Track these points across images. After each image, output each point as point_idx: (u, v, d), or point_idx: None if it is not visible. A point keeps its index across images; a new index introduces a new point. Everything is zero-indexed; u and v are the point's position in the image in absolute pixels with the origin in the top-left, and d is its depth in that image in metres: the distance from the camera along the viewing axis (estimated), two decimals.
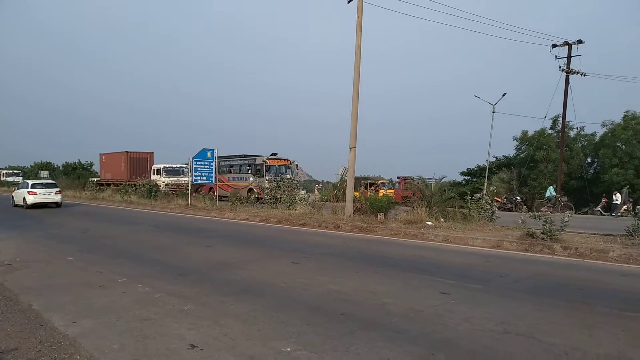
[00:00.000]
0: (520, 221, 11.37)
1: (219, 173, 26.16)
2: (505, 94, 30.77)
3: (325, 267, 8.09)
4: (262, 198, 21.96)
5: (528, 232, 10.82)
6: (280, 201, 19.76)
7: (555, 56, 25.76)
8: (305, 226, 14.88)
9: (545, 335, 4.48)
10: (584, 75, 25.72)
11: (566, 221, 10.58)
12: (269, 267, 8.05)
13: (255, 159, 27.57)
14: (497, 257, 9.44)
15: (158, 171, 32.10)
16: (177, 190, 28.66)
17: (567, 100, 25.62)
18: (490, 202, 15.08)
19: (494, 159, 40.04)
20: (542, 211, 15.75)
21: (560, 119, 28.04)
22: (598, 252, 9.40)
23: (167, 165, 32.62)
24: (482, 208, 14.47)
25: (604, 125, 33.69)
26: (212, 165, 23.15)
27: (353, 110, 16.63)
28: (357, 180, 27.14)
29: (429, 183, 16.08)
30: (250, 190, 26.08)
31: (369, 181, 33.01)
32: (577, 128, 33.73)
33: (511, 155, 39.18)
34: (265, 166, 26.44)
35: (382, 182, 34.48)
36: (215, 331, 4.65)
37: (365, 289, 6.43)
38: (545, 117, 33.48)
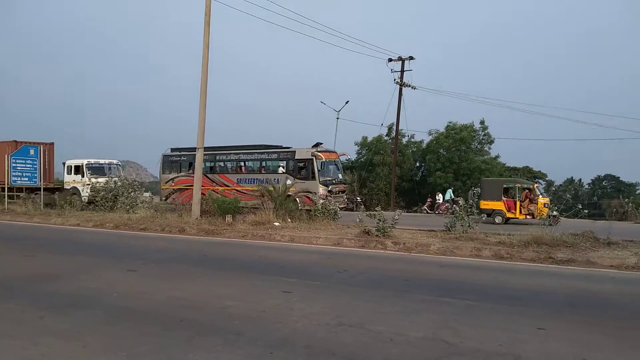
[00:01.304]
0: (358, 220, 12.26)
1: (218, 172, 20.74)
2: (348, 101, 32.90)
3: (166, 274, 7.69)
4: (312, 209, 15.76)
5: (364, 229, 11.70)
6: (116, 205, 18.18)
7: (391, 70, 28.44)
8: (146, 231, 13.99)
9: (375, 324, 4.86)
10: (414, 89, 28.85)
11: (396, 219, 11.69)
12: (100, 277, 7.35)
13: (293, 152, 19.39)
14: (337, 254, 10.02)
15: (77, 169, 22.32)
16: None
17: (400, 110, 28.51)
18: (334, 202, 16.04)
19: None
20: (443, 210, 16.60)
21: (394, 127, 30.95)
22: (422, 246, 10.55)
23: (93, 161, 22.70)
24: (326, 208, 15.26)
25: (430, 133, 38.07)
26: (35, 164, 20.35)
27: (201, 111, 16.19)
28: (497, 184, 19.12)
29: (277, 185, 16.43)
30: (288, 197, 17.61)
31: (519, 185, 19.35)
32: (408, 135, 37.62)
33: (353, 159, 42.09)
34: (317, 162, 18.45)
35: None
36: (30, 352, 4.08)
37: (209, 294, 6.26)
38: (382, 124, 36.70)
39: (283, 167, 19.63)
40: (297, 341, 4.38)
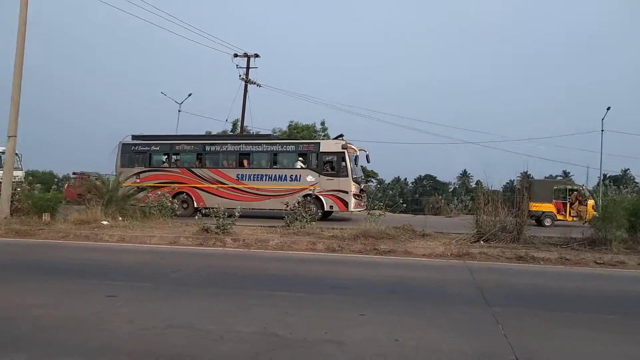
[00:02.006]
0: (197, 217, 11.91)
1: (208, 166, 17.21)
2: (191, 94, 31.82)
3: None
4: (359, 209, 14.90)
5: (204, 227, 11.41)
6: None
7: (237, 65, 28.22)
8: None
9: (206, 324, 4.74)
10: (259, 86, 29.03)
11: (236, 216, 11.65)
12: None
13: (316, 144, 17.22)
14: (172, 253, 9.59)
15: None
16: None
17: (246, 106, 28.44)
18: (171, 200, 15.31)
19: None
20: None
21: (239, 123, 30.79)
22: (261, 242, 10.69)
23: None
24: (162, 206, 14.50)
25: (274, 132, 38.91)
26: None
27: (14, 94, 14.02)
28: (547, 185, 18.15)
29: (107, 180, 15.05)
30: (316, 199, 15.69)
31: (569, 186, 18.60)
32: (253, 132, 37.91)
33: None
34: (348, 156, 16.12)
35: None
36: None
37: (15, 303, 5.43)
38: (227, 120, 36.29)
39: (302, 162, 16.74)
40: (120, 348, 4.05)
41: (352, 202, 14.66)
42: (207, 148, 17.67)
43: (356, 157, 16.57)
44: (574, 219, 17.22)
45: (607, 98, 76.58)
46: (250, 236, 11.18)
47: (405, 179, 71.28)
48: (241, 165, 17.21)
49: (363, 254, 9.76)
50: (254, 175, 16.78)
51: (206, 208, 16.53)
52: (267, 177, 16.59)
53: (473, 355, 4.04)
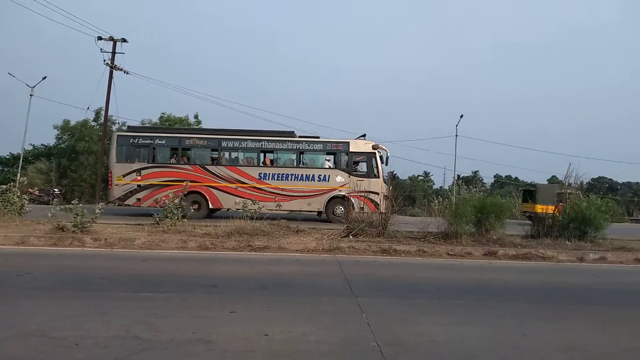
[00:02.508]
0: (49, 214, 10.72)
1: (224, 164, 15.72)
2: (45, 77, 28.60)
3: None
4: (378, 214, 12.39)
5: (58, 225, 10.31)
6: None
7: (101, 49, 25.96)
8: None
9: (59, 330, 4.29)
10: (127, 73, 27.04)
11: (97, 213, 10.74)
12: None
13: (345, 143, 16.08)
14: (19, 254, 8.51)
15: None
16: None
17: (111, 94, 26.28)
18: (19, 194, 13.54)
19: (31, 147, 36.50)
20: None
21: (103, 112, 28.39)
22: (126, 241, 9.97)
23: None
24: (9, 201, 12.78)
25: (143, 123, 36.61)
26: None
27: None
28: (551, 190, 18.25)
29: None
30: (346, 200, 15.20)
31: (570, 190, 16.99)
32: (119, 123, 35.22)
33: (51, 145, 36.75)
34: (379, 157, 15.83)
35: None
36: None
37: None
38: (89, 108, 33.31)
39: (329, 161, 16.22)
40: None
41: (384, 203, 13.89)
42: (224, 144, 16.08)
43: (387, 157, 16.20)
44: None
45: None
46: (114, 235, 10.37)
47: None
48: (263, 164, 16.22)
49: (237, 251, 9.65)
50: (279, 174, 15.77)
51: (223, 209, 15.67)
52: (294, 176, 15.75)
53: (338, 344, 4.22)
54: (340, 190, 15.74)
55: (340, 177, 15.86)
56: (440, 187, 55.83)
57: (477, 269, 8.71)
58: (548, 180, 44.80)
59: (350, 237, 11.09)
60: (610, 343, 4.66)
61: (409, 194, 44.69)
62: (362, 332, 4.54)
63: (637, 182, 71.58)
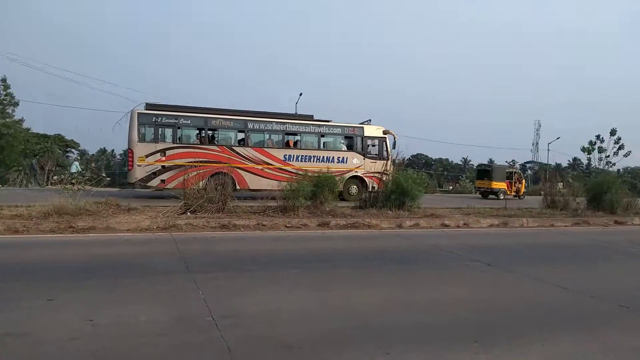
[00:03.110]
0: None
1: (251, 145, 15.75)
2: None
3: None
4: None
5: None
6: None
7: None
8: None
9: None
10: None
11: None
12: None
13: (360, 128, 17.33)
14: None
15: None
16: None
17: None
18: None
19: None
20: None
21: None
22: None
23: None
24: None
25: None
26: None
27: None
28: (503, 170, 25.65)
29: None
30: (357, 178, 16.70)
31: (514, 170, 27.55)
32: None
33: None
34: (389, 141, 17.64)
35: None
36: None
37: None
38: None
39: (344, 144, 17.46)
40: None
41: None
42: (250, 125, 16.02)
43: (394, 141, 17.41)
44: (514, 194, 24.56)
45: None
46: None
47: (113, 150, 66.14)
48: (287, 146, 16.46)
49: (56, 233, 8.64)
50: (302, 156, 16.25)
51: (250, 190, 15.65)
52: (315, 158, 16.34)
53: (171, 322, 4.12)
54: (356, 172, 16.97)
55: (356, 159, 17.09)
56: None
57: (311, 239, 9.24)
58: None
59: (188, 213, 10.76)
60: (413, 295, 5.40)
61: None
62: (198, 308, 4.50)
63: (447, 159, 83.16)
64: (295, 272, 6.33)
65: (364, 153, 17.36)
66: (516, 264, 7.43)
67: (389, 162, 16.02)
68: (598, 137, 42.51)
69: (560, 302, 5.41)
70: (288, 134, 16.71)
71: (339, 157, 16.96)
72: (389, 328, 4.25)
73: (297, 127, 16.81)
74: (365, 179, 16.93)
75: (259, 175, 15.79)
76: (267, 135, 16.50)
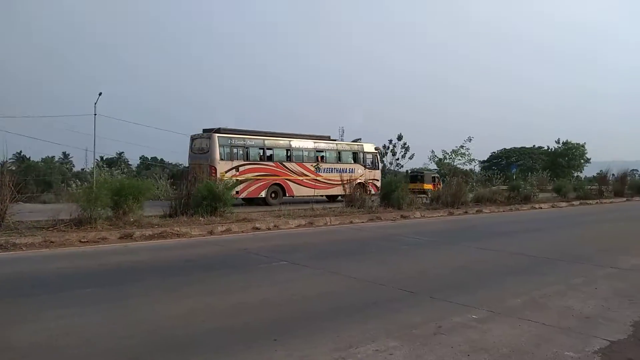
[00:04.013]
0: None
1: (294, 161, 19.80)
2: None
3: None
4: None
5: None
6: None
7: None
8: None
9: None
10: None
11: None
12: None
13: (361, 146, 23.42)
14: None
15: None
16: None
17: None
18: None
19: None
20: None
21: None
22: None
23: None
24: None
25: None
26: None
27: None
28: (430, 175, 31.98)
29: None
30: (362, 186, 21.09)
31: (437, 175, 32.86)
32: None
33: None
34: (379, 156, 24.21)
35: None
36: None
37: None
38: None
39: (352, 159, 22.05)
40: None
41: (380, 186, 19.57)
42: (294, 144, 19.95)
43: (380, 154, 23.52)
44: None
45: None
46: None
47: None
48: (316, 161, 20.43)
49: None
50: (326, 168, 20.32)
51: (293, 197, 19.38)
52: (335, 169, 20.22)
53: None
54: (361, 179, 21.35)
55: (360, 170, 21.72)
56: (82, 170, 51.55)
57: (111, 254, 8.45)
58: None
59: None
60: (219, 301, 5.39)
61: (43, 178, 39.69)
62: None
63: None
64: (90, 290, 5.72)
65: (365, 165, 22.36)
66: (318, 260, 8.00)
67: (379, 171, 22.81)
68: (390, 141, 48.37)
69: (352, 291, 6.00)
70: (318, 151, 21.02)
71: (350, 168, 20.95)
72: (193, 338, 4.14)
73: (323, 145, 21.42)
74: (366, 184, 21.61)
75: (300, 185, 19.83)
76: (305, 152, 20.43)
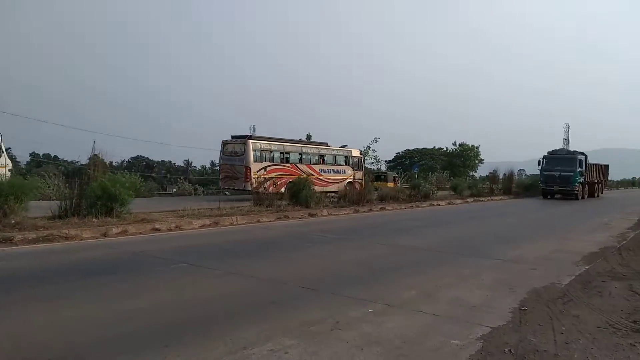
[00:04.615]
0: None
1: (304, 163, 23.01)
2: None
3: None
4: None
5: None
6: None
7: None
8: None
9: None
10: None
11: None
12: None
13: (349, 151, 26.54)
14: None
15: None
16: None
17: None
18: None
19: None
20: None
21: None
22: None
23: None
24: None
25: None
26: None
27: None
28: (392, 174, 37.32)
29: None
30: (351, 184, 24.47)
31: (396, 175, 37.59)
32: None
33: None
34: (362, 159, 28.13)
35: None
36: None
37: None
38: None
39: (344, 162, 25.22)
40: None
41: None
42: (304, 150, 23.42)
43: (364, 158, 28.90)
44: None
45: None
46: None
47: None
48: (319, 163, 23.95)
49: None
50: (326, 169, 23.91)
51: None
52: (333, 171, 24.25)
53: None
54: (350, 178, 24.58)
55: (349, 171, 24.91)
56: None
57: None
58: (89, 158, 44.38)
59: None
60: (106, 308, 4.99)
61: None
62: None
63: (170, 161, 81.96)
64: None
65: (352, 166, 25.39)
66: (220, 261, 7.76)
67: (362, 171, 26.32)
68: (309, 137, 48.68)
69: (252, 292, 5.88)
70: (320, 155, 24.18)
71: (342, 170, 24.82)
72: (70, 350, 3.77)
73: (324, 151, 24.50)
74: (353, 182, 24.48)
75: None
76: (312, 156, 23.68)
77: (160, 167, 79.52)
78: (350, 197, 19.51)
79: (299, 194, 17.67)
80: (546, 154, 33.18)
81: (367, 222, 15.19)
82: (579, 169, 31.14)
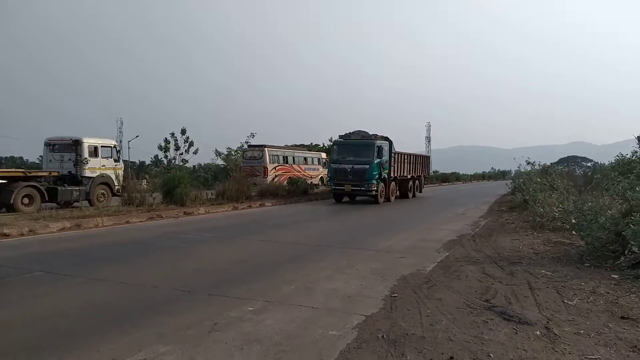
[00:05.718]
0: None
1: (295, 163, 30.12)
2: None
3: None
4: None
5: None
6: None
7: None
8: None
9: None
10: None
11: None
12: None
13: (320, 153, 34.88)
14: None
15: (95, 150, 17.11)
16: None
17: None
18: None
19: None
20: None
21: None
22: None
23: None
24: None
25: None
26: None
27: None
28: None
29: None
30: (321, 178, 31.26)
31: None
32: None
33: None
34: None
35: None
36: None
37: None
38: None
39: (317, 161, 33.12)
40: None
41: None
42: (295, 153, 30.76)
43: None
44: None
45: None
46: None
47: None
48: (303, 163, 31.12)
49: None
50: (308, 167, 31.25)
51: None
52: (312, 169, 31.71)
53: None
54: (322, 174, 31.45)
55: (322, 168, 32.33)
56: None
57: None
58: None
59: None
60: None
61: None
62: None
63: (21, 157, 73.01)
64: None
65: (323, 165, 32.28)
66: (83, 267, 7.06)
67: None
68: (172, 134, 46.16)
69: (122, 299, 5.43)
70: (305, 157, 31.70)
71: (318, 168, 32.28)
72: None
73: (308, 154, 33.00)
74: (322, 176, 30.73)
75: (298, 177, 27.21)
76: (299, 158, 30.84)
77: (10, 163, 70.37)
78: (228, 194, 19.03)
79: (174, 192, 16.82)
80: (337, 138, 23.55)
81: (246, 219, 15.00)
82: (377, 160, 21.00)
